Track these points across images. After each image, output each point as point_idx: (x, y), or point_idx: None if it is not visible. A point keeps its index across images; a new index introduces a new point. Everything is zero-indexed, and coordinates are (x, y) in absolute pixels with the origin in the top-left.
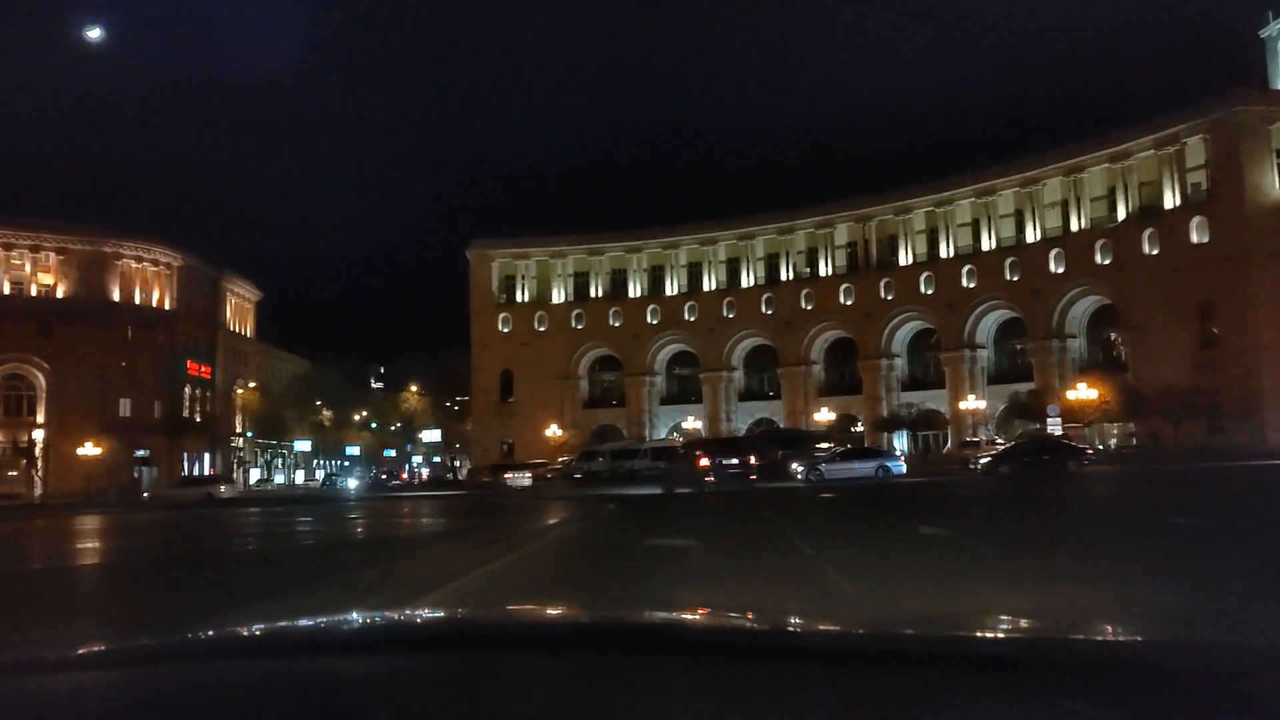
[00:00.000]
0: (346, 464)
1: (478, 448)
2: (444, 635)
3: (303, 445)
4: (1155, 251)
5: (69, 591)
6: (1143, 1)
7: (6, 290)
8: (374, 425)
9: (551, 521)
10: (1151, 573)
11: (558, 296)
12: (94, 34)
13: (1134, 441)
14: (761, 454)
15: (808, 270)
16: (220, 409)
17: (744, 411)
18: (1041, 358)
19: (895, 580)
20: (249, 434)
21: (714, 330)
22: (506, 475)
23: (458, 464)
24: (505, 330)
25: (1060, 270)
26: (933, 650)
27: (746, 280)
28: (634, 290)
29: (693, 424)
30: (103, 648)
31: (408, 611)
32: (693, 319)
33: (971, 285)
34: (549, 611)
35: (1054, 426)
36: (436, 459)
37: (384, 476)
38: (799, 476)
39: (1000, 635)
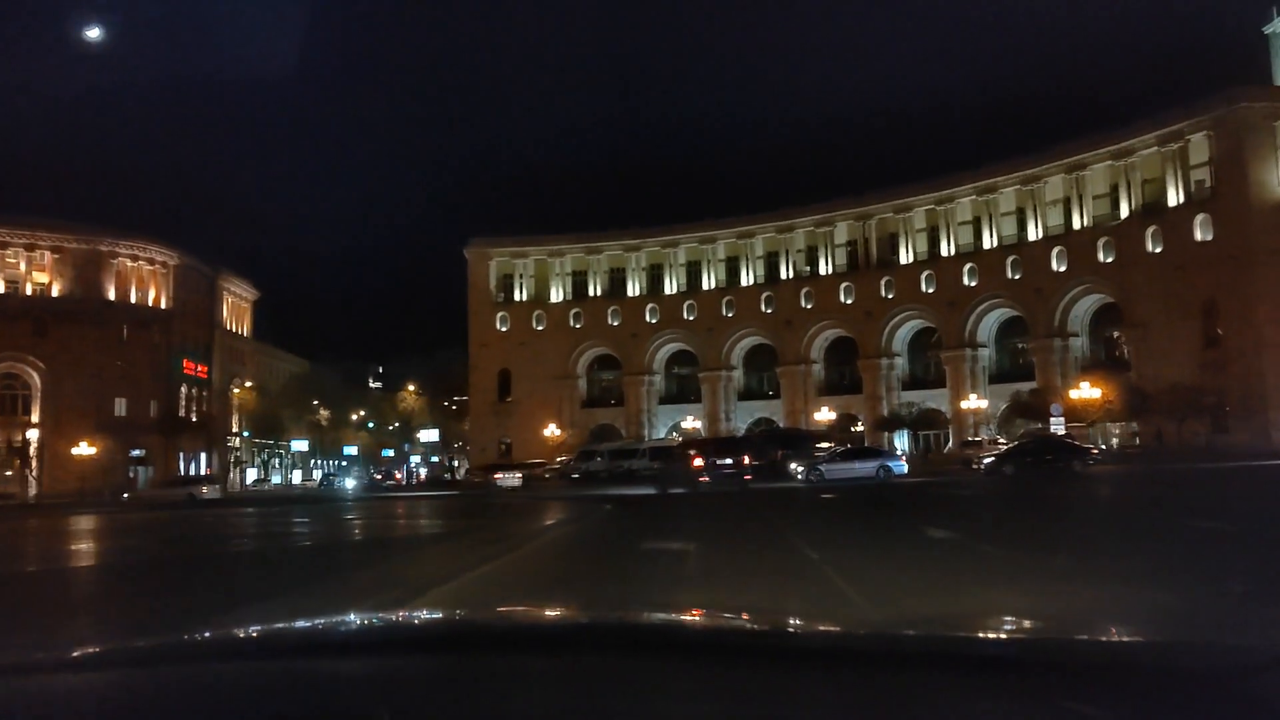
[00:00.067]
0: (344, 464)
1: (475, 447)
2: (442, 636)
3: (300, 445)
4: (1158, 249)
5: None
6: None
7: (1, 289)
8: (371, 425)
9: (545, 523)
10: (1186, 578)
11: (556, 295)
12: (92, 34)
13: (1136, 441)
14: (761, 454)
15: (807, 269)
16: (217, 409)
17: (743, 411)
18: (1043, 357)
19: (903, 585)
20: (245, 434)
21: (713, 329)
22: (497, 475)
23: (456, 464)
24: (503, 329)
25: (1062, 268)
26: (933, 651)
27: (746, 279)
28: (633, 289)
29: (692, 423)
30: (99, 649)
31: (405, 613)
32: (692, 318)
33: (973, 284)
34: (547, 612)
35: (1057, 426)
36: (435, 459)
37: (378, 477)
38: (799, 476)
39: (1000, 636)
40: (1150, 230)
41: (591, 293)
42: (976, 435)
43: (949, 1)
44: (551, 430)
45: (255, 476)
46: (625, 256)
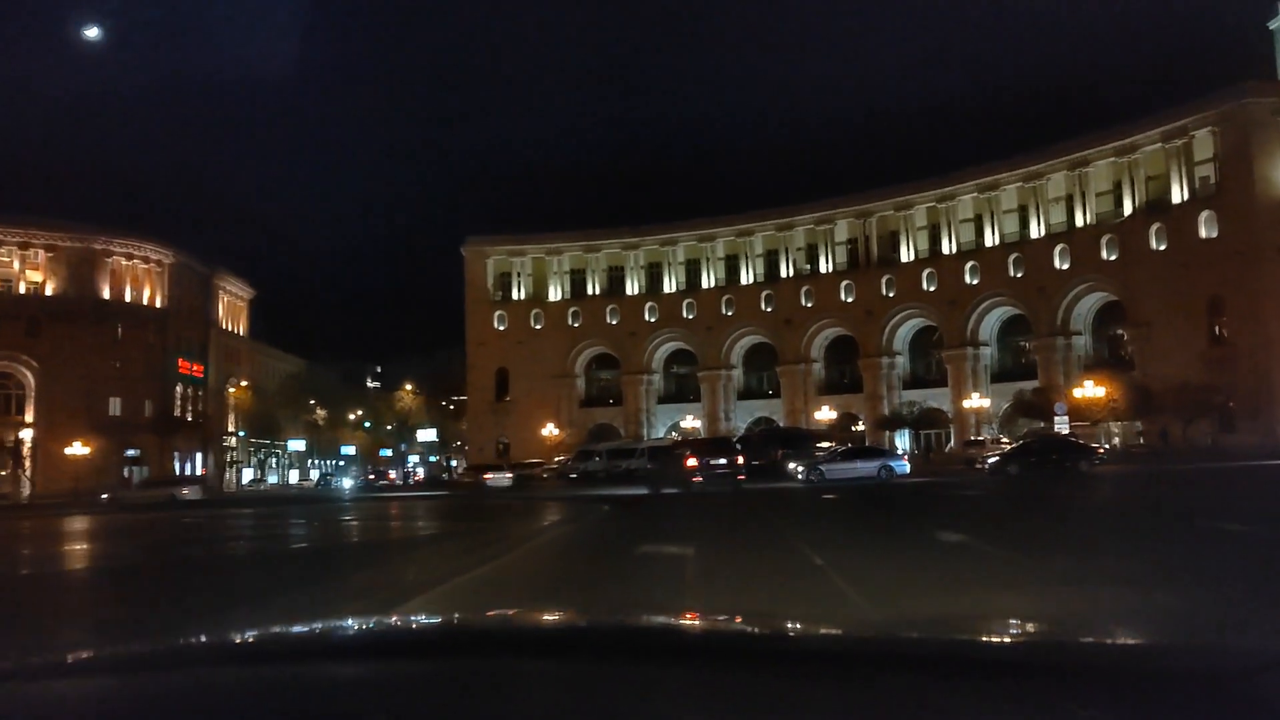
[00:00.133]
0: (342, 464)
1: (473, 447)
2: (439, 640)
3: (297, 445)
4: (1163, 247)
5: None
6: None
7: None
8: (368, 425)
9: (538, 525)
10: (1212, 580)
11: (554, 294)
12: (91, 33)
13: (1141, 440)
14: (760, 453)
15: (808, 267)
16: (213, 408)
17: (743, 410)
18: (1046, 355)
19: (914, 592)
20: (241, 434)
21: (712, 328)
22: (487, 476)
23: (454, 464)
24: (501, 328)
25: (1065, 266)
26: (934, 654)
27: (745, 277)
28: (631, 288)
29: (691, 423)
30: (94, 654)
31: (402, 617)
32: (691, 317)
33: (974, 282)
34: (546, 616)
35: (1061, 425)
36: (434, 458)
37: (371, 476)
38: (799, 476)
39: (1002, 639)
40: (1154, 227)
41: (590, 291)
42: (979, 435)
43: None
44: (550, 430)
45: (251, 476)
46: (624, 255)
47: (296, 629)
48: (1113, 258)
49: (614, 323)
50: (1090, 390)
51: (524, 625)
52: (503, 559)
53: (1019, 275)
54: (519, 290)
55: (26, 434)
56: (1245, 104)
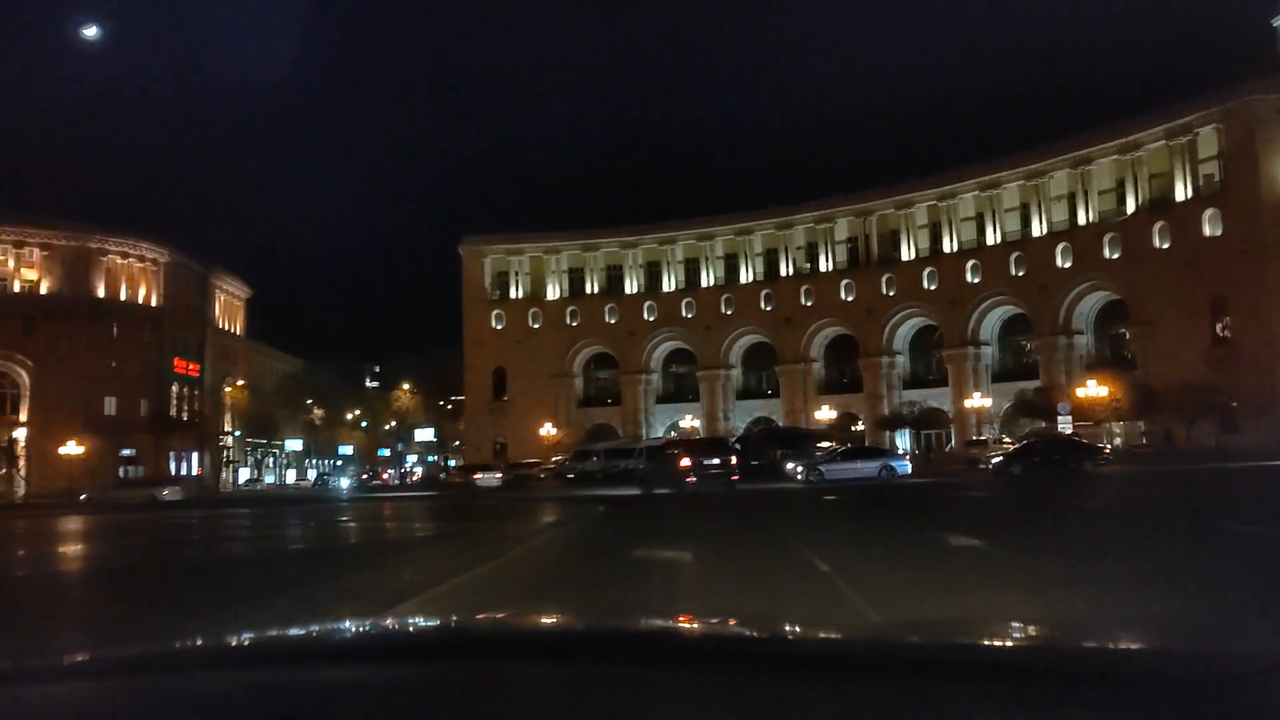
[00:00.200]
0: (340, 464)
1: (471, 446)
2: (437, 643)
3: (294, 445)
4: (1166, 245)
5: None
6: None
7: None
8: (365, 424)
9: (528, 528)
10: (1243, 584)
11: (552, 293)
12: (89, 32)
13: (1144, 440)
14: (759, 453)
15: (807, 266)
16: (209, 408)
17: (742, 410)
18: (1047, 355)
19: (931, 603)
20: (237, 433)
21: (711, 327)
22: (476, 476)
23: (452, 464)
24: (499, 327)
25: (1067, 265)
26: (933, 657)
27: (745, 276)
28: (630, 287)
29: (690, 423)
30: (89, 657)
31: (400, 619)
32: (690, 316)
33: (975, 281)
34: (544, 619)
35: (1064, 425)
36: (432, 458)
37: (364, 476)
38: (799, 477)
39: (1002, 643)
40: (1157, 225)
41: (588, 290)
42: (980, 435)
43: None
44: (547, 429)
45: (248, 476)
46: (622, 253)
47: (293, 632)
48: (1115, 256)
49: (612, 322)
50: (1093, 390)
51: (521, 628)
52: (480, 569)
53: (1020, 274)
54: (517, 289)
55: (21, 433)
56: (1249, 101)
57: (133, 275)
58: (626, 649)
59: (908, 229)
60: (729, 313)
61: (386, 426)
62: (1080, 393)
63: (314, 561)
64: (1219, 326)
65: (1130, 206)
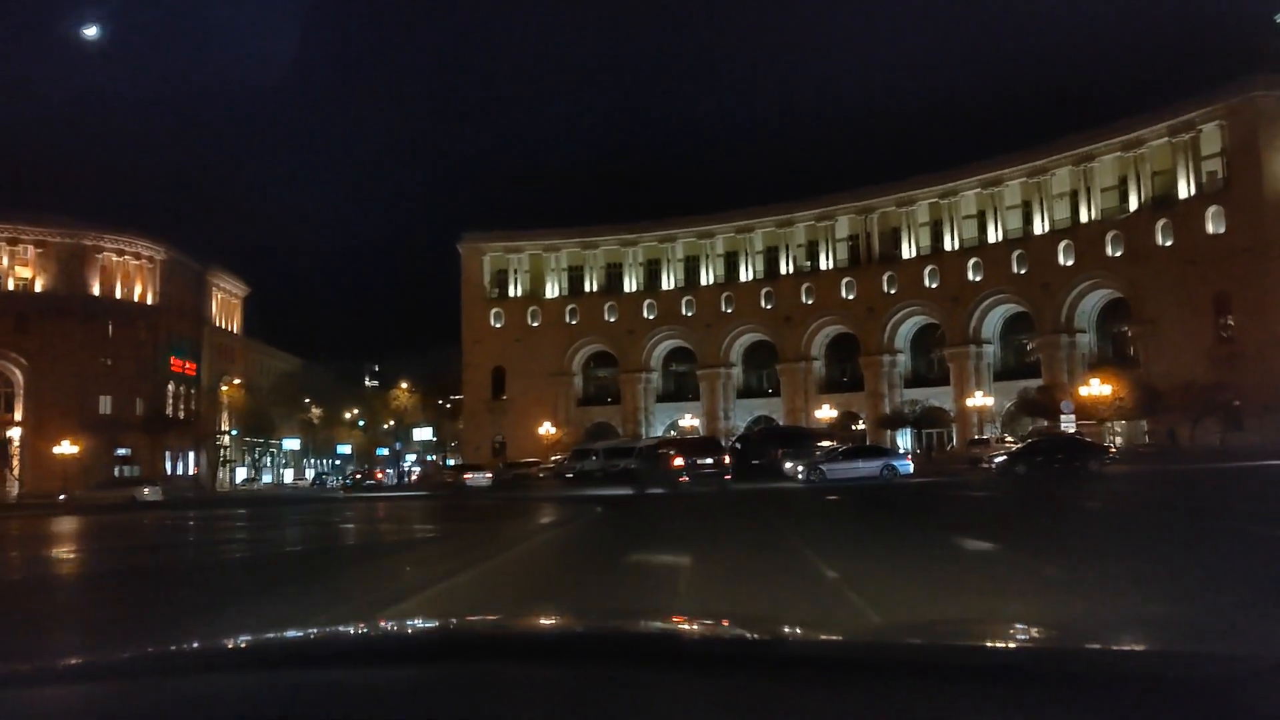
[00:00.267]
0: (338, 463)
1: (469, 446)
2: (435, 645)
3: (291, 444)
4: (1169, 243)
5: None
6: None
7: None
8: (362, 424)
9: (520, 530)
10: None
11: (551, 291)
12: (89, 31)
13: (1147, 440)
14: (759, 452)
15: (808, 264)
16: (205, 407)
17: (742, 409)
18: (1049, 353)
19: (950, 613)
20: (234, 432)
21: (711, 325)
22: (466, 476)
23: (451, 463)
24: (497, 326)
25: (1069, 263)
26: (932, 659)
27: (745, 274)
28: (629, 285)
29: (690, 422)
30: (85, 660)
31: (398, 622)
32: (690, 314)
33: (977, 279)
34: (543, 621)
35: (1068, 424)
36: (431, 457)
37: (358, 476)
38: (799, 476)
39: (1002, 644)
40: (1160, 223)
41: (587, 288)
42: (982, 434)
43: None
44: (547, 428)
45: (245, 476)
46: (622, 251)
47: (290, 634)
48: (1118, 254)
49: (612, 320)
50: (1096, 388)
51: (520, 630)
52: (461, 577)
53: (1022, 272)
54: (516, 287)
55: (15, 432)
56: (1253, 97)
57: (128, 273)
58: (625, 650)
59: (909, 227)
60: (729, 311)
61: (385, 426)
62: (1083, 391)
63: (273, 569)
64: (1222, 325)
65: (1133, 204)
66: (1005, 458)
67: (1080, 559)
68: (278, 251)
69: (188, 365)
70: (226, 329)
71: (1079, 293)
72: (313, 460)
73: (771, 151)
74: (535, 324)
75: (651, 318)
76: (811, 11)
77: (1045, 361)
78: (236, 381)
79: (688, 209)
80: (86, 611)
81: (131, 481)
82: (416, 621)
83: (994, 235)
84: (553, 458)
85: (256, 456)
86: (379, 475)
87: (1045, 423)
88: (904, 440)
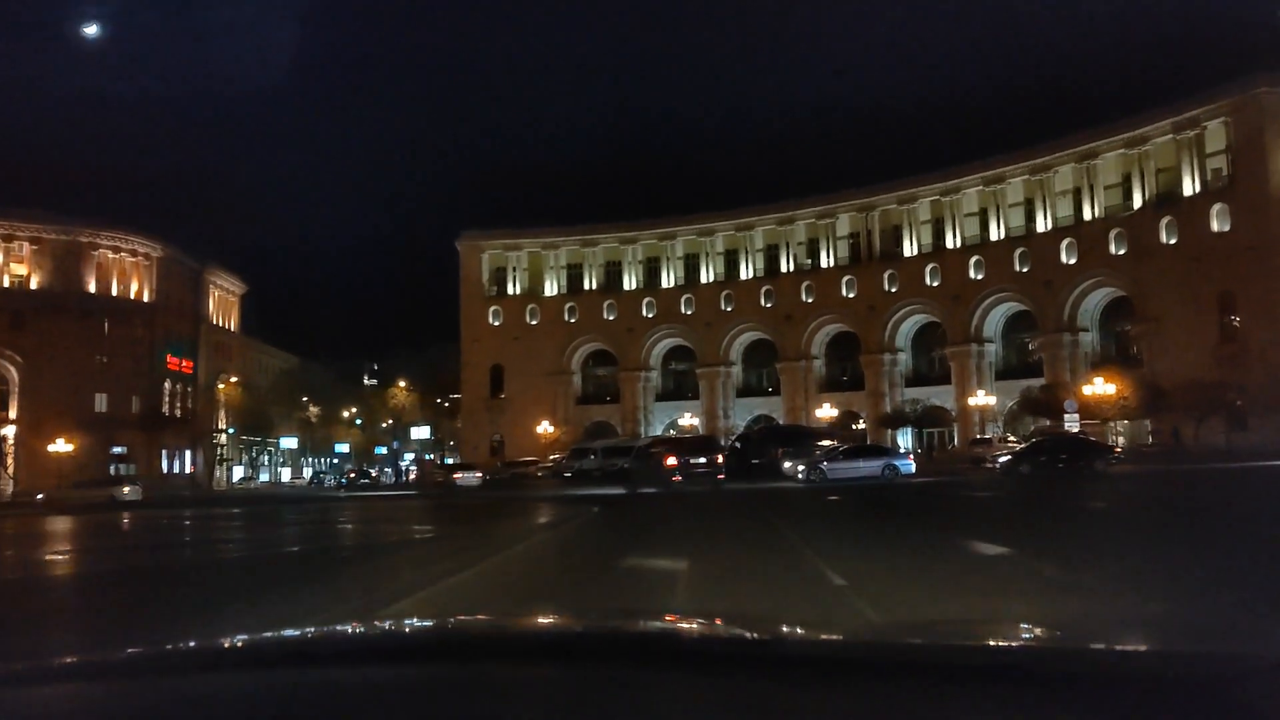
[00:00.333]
0: (336, 461)
1: (468, 445)
2: (434, 645)
3: (289, 442)
4: (1173, 241)
5: None
6: None
7: None
8: (359, 422)
9: (512, 532)
10: None
11: (550, 289)
12: (89, 29)
13: (1151, 440)
14: (759, 452)
15: (808, 262)
16: (202, 405)
17: (742, 408)
18: (1052, 352)
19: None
20: (231, 431)
21: (711, 324)
22: (456, 475)
23: (449, 462)
24: (496, 324)
25: (1072, 261)
26: (932, 659)
27: (745, 272)
28: (629, 283)
29: (689, 420)
30: (81, 659)
31: (397, 621)
32: (689, 312)
33: (979, 277)
34: (541, 620)
35: (1072, 423)
36: (429, 456)
37: (352, 475)
38: (799, 476)
39: (1003, 644)
40: (1164, 221)
41: (586, 286)
42: (984, 433)
43: None
44: (545, 427)
45: (242, 474)
46: (621, 249)
47: (288, 633)
48: (1121, 252)
49: (611, 318)
50: (1100, 387)
51: (519, 630)
52: (443, 584)
53: (1024, 270)
54: (514, 285)
55: (9, 430)
56: (1258, 94)
57: (124, 270)
58: (624, 650)
59: (910, 224)
60: (729, 309)
61: (383, 425)
62: (1087, 390)
63: (238, 574)
64: (1227, 323)
65: (1137, 202)
66: (1009, 457)
67: (1103, 567)
68: (276, 249)
69: (184, 363)
70: (224, 327)
71: (1082, 291)
72: (310, 459)
73: (772, 149)
74: (534, 322)
75: (651, 316)
76: (812, 8)
77: (1048, 360)
78: (234, 380)
79: (688, 207)
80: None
81: (111, 481)
82: (414, 621)
83: (996, 233)
84: (551, 457)
85: (254, 455)
86: (373, 475)
87: (1047, 422)
88: (904, 440)
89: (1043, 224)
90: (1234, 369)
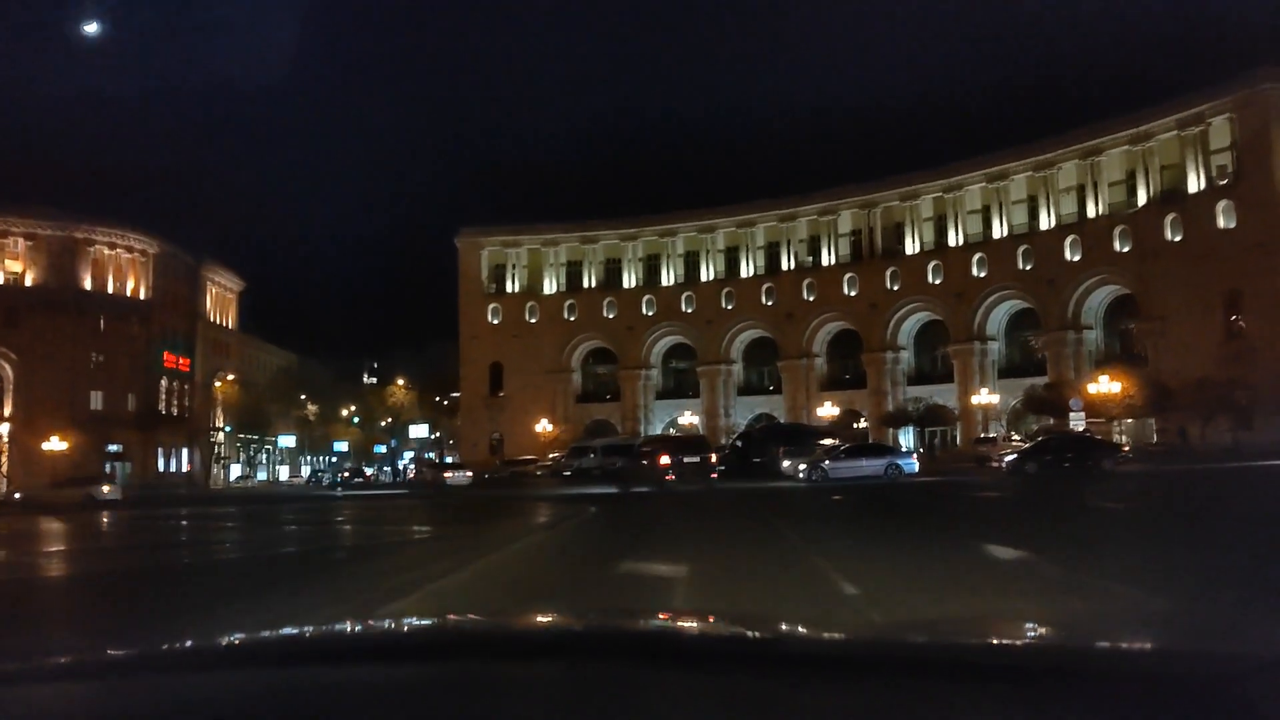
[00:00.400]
0: (334, 460)
1: (467, 443)
2: (433, 644)
3: (287, 440)
4: (1178, 238)
5: None
6: None
7: None
8: (357, 420)
9: (507, 532)
10: None
11: (549, 286)
12: (88, 28)
13: (1156, 438)
14: (760, 450)
15: (810, 259)
16: (199, 403)
17: (743, 406)
18: (1056, 350)
19: None
20: (228, 429)
21: (712, 322)
22: (446, 474)
23: (449, 461)
24: (495, 321)
25: (1076, 258)
26: (934, 657)
27: (746, 270)
28: (629, 280)
29: (690, 419)
30: (77, 659)
31: (396, 620)
32: (690, 310)
33: (982, 274)
34: (541, 619)
35: (1077, 422)
36: (429, 454)
37: (346, 474)
38: (801, 475)
39: (1003, 642)
40: (1169, 218)
41: (586, 284)
42: (987, 432)
43: None
44: (545, 425)
45: (239, 473)
46: (621, 246)
47: (286, 631)
48: (1126, 249)
49: (611, 316)
50: (1105, 386)
51: (519, 628)
52: (427, 589)
53: (1028, 268)
54: (514, 283)
55: (4, 428)
56: (1263, 90)
57: (120, 267)
58: (624, 649)
59: (913, 222)
60: (730, 307)
61: (382, 423)
62: (1091, 389)
63: (192, 581)
64: (1232, 321)
65: (1141, 198)
66: (1015, 456)
67: (1125, 570)
68: (274, 246)
69: (181, 361)
70: (221, 324)
71: (1086, 289)
72: (309, 457)
73: (773, 146)
74: (533, 320)
75: (651, 314)
76: (813, 4)
77: (1051, 359)
78: (231, 377)
79: (688, 204)
80: None
81: (88, 480)
82: (413, 620)
83: (999, 230)
84: (550, 455)
85: (252, 453)
86: (368, 474)
87: (1051, 421)
88: (907, 438)
89: (1046, 221)
90: (1240, 367)
